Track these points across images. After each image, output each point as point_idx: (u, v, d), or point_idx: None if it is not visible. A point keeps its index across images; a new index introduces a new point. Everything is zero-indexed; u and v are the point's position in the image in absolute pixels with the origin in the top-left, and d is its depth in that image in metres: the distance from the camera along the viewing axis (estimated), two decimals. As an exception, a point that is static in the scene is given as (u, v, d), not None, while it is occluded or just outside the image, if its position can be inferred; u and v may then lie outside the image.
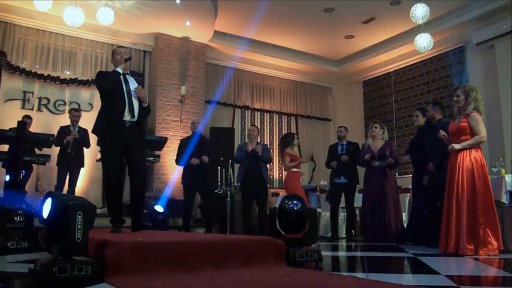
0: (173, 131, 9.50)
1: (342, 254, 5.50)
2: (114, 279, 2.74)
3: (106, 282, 2.73)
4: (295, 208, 3.87)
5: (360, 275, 3.15)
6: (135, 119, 4.64)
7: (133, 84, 4.71)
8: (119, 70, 4.70)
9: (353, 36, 10.60)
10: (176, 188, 9.16)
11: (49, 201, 2.85)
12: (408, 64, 10.92)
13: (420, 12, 7.45)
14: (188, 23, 9.26)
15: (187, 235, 4.59)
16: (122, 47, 5.14)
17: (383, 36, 10.59)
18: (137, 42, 9.84)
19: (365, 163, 7.16)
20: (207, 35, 9.87)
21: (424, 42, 7.89)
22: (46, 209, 2.86)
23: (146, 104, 4.78)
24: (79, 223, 2.80)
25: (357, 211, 8.28)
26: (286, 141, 7.89)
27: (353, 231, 7.74)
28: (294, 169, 7.60)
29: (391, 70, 11.36)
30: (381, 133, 7.23)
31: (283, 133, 11.62)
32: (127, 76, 4.75)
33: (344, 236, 7.94)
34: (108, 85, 4.63)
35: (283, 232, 3.92)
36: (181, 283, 2.76)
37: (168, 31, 9.71)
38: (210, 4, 8.71)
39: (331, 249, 5.96)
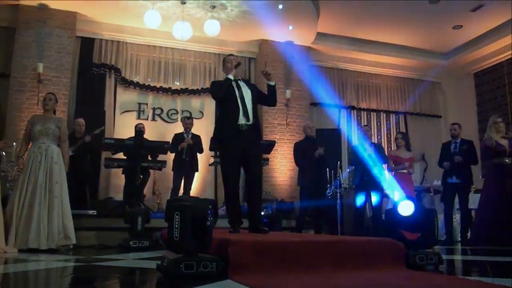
0: (279, 134, 9.61)
1: (461, 257, 5.21)
2: (237, 276, 2.83)
3: (230, 279, 2.82)
4: (409, 210, 3.75)
5: (484, 279, 2.97)
6: (250, 122, 4.71)
7: (245, 89, 4.81)
8: (230, 76, 4.82)
9: (461, 26, 10.03)
10: (285, 191, 9.29)
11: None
12: (522, 51, 10.11)
13: (532, -7, 6.92)
14: (291, 27, 9.34)
15: (304, 236, 4.62)
16: (232, 55, 5.27)
17: (493, 23, 9.87)
18: (243, 50, 10.09)
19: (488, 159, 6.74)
20: (310, 37, 9.89)
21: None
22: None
23: (273, 83, 4.92)
24: (177, 222, 2.94)
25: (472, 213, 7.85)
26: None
27: (469, 234, 7.33)
28: (403, 170, 7.40)
29: (504, 59, 10.56)
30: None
31: (391, 133, 11.33)
32: (239, 82, 4.87)
33: (459, 239, 7.55)
34: (219, 92, 4.82)
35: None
36: (303, 282, 2.79)
37: (272, 37, 9.85)
38: (312, 6, 8.73)
39: (448, 252, 5.68)
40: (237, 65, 4.87)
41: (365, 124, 10.51)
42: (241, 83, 4.88)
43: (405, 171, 7.44)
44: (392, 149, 10.86)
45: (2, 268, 3.75)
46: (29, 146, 5.69)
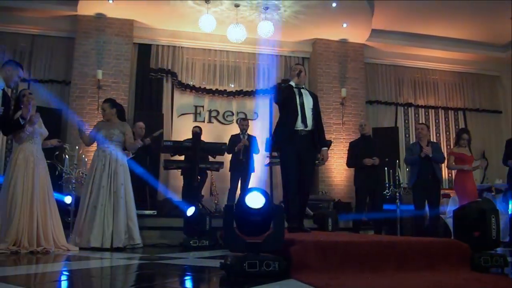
0: (335, 134, 9.53)
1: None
2: (300, 276, 2.84)
3: (293, 278, 2.84)
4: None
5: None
6: (309, 128, 4.89)
7: (306, 97, 4.99)
8: (292, 83, 5.05)
9: (519, 16, 9.58)
10: (341, 191, 9.21)
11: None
12: None
13: None
14: (345, 25, 9.27)
15: (367, 236, 4.57)
16: (299, 64, 5.57)
17: (553, 11, 9.36)
18: (296, 50, 10.10)
19: None
20: (364, 35, 9.75)
21: None
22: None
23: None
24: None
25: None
26: (456, 139, 7.52)
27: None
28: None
29: None
30: None
31: (450, 130, 11.00)
32: (301, 90, 5.05)
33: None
34: (279, 97, 5.06)
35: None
36: (367, 282, 2.76)
37: (325, 36, 9.81)
38: (366, 3, 8.63)
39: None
40: (299, 73, 5.06)
41: (422, 122, 10.18)
42: (304, 91, 5.07)
43: (466, 168, 7.17)
44: (452, 146, 10.55)
45: (63, 265, 3.91)
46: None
